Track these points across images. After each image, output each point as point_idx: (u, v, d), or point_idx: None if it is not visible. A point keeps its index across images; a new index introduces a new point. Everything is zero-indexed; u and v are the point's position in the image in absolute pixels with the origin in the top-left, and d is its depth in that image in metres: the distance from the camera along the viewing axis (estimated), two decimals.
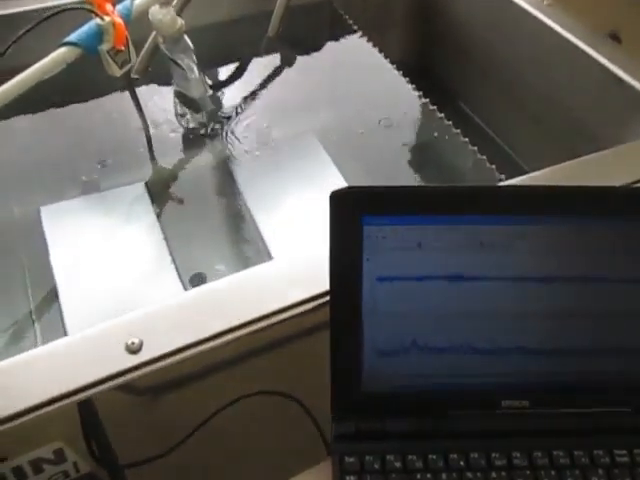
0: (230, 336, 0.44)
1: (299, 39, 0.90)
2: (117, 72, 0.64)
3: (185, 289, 0.71)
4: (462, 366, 0.46)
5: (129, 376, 0.42)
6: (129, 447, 0.61)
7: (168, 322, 0.45)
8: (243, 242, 0.78)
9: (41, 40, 0.58)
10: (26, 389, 0.42)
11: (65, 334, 0.66)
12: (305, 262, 0.49)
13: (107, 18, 0.61)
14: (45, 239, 0.72)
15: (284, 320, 0.45)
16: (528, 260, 0.44)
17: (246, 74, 0.89)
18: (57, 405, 0.41)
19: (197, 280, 0.75)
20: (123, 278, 0.71)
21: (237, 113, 0.85)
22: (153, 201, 0.78)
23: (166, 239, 0.75)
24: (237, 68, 0.89)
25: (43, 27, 0.60)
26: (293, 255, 0.50)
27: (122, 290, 0.70)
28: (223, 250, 0.79)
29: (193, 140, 0.83)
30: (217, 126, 0.82)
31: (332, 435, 0.46)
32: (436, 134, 0.82)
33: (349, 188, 0.41)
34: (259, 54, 0.89)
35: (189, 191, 0.81)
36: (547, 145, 0.79)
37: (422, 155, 0.83)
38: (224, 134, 0.84)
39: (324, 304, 0.46)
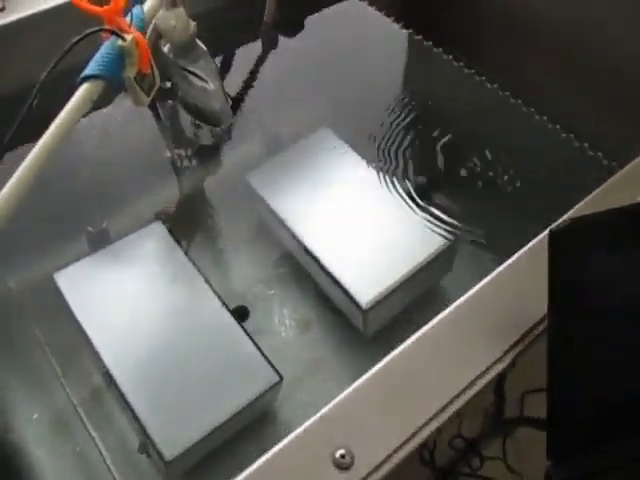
0: (445, 415, 0.37)
1: (298, 20, 0.79)
2: (145, 101, 0.51)
3: (242, 327, 0.62)
4: None
5: None
6: None
7: (367, 415, 0.37)
8: (285, 259, 0.69)
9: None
10: None
11: (137, 421, 0.55)
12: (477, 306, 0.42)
13: (128, 37, 0.48)
14: (69, 309, 0.60)
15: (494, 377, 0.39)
16: None
17: (243, 66, 0.77)
18: None
19: (238, 314, 0.66)
20: (175, 330, 0.61)
21: (239, 112, 0.74)
22: (175, 237, 0.66)
23: (203, 276, 0.64)
24: (234, 60, 0.77)
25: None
26: (462, 302, 0.42)
27: (180, 345, 0.60)
28: (266, 273, 0.70)
29: (201, 155, 0.71)
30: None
31: None
32: (479, 102, 0.76)
33: (571, 222, 0.35)
34: (256, 42, 0.77)
35: (211, 215, 0.70)
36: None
37: (461, 130, 0.76)
38: (230, 141, 0.73)
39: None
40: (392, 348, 0.39)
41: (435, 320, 0.40)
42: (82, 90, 0.46)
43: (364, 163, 0.72)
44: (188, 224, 0.68)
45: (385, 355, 0.39)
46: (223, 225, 0.70)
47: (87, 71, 0.47)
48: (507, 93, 0.78)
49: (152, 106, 0.59)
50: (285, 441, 0.35)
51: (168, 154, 0.67)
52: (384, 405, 0.37)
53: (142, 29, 0.51)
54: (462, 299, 0.41)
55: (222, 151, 0.72)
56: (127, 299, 0.61)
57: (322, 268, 0.65)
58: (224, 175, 0.72)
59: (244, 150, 0.73)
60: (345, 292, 0.63)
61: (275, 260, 0.70)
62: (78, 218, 0.66)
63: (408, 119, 0.77)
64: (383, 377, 0.38)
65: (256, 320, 0.66)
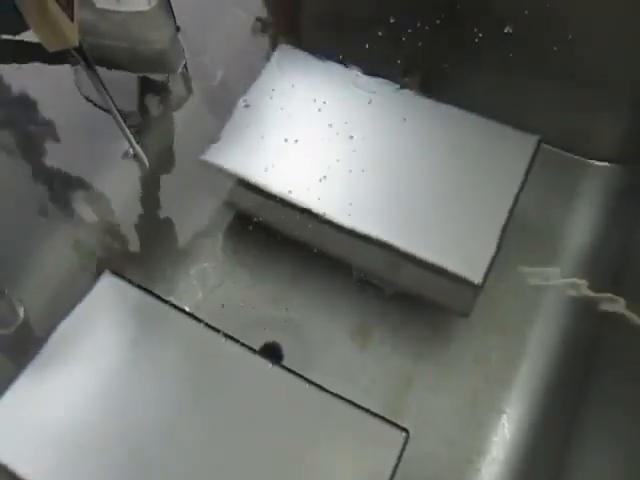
0: None
1: None
2: (73, 34, 0.29)
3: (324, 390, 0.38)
4: None
5: None
6: None
7: None
8: (317, 261, 0.44)
9: None
10: None
11: None
12: None
13: None
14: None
15: None
16: None
17: None
18: None
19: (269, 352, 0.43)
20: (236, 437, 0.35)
21: None
22: (143, 286, 0.39)
23: (218, 333, 0.38)
24: None
25: None
26: None
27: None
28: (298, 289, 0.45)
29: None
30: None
31: None
32: None
33: None
34: None
35: (178, 233, 0.43)
36: None
37: None
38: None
39: None
40: None
41: None
42: None
43: (364, 79, 0.47)
44: (154, 258, 0.41)
45: None
46: (201, 241, 0.43)
47: None
48: None
49: (90, 68, 0.31)
50: None
51: (130, 151, 0.39)
52: None
53: None
54: None
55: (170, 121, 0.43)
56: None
57: (393, 254, 0.41)
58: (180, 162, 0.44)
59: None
60: (446, 273, 0.40)
61: (303, 268, 0.44)
62: None
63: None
64: None
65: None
